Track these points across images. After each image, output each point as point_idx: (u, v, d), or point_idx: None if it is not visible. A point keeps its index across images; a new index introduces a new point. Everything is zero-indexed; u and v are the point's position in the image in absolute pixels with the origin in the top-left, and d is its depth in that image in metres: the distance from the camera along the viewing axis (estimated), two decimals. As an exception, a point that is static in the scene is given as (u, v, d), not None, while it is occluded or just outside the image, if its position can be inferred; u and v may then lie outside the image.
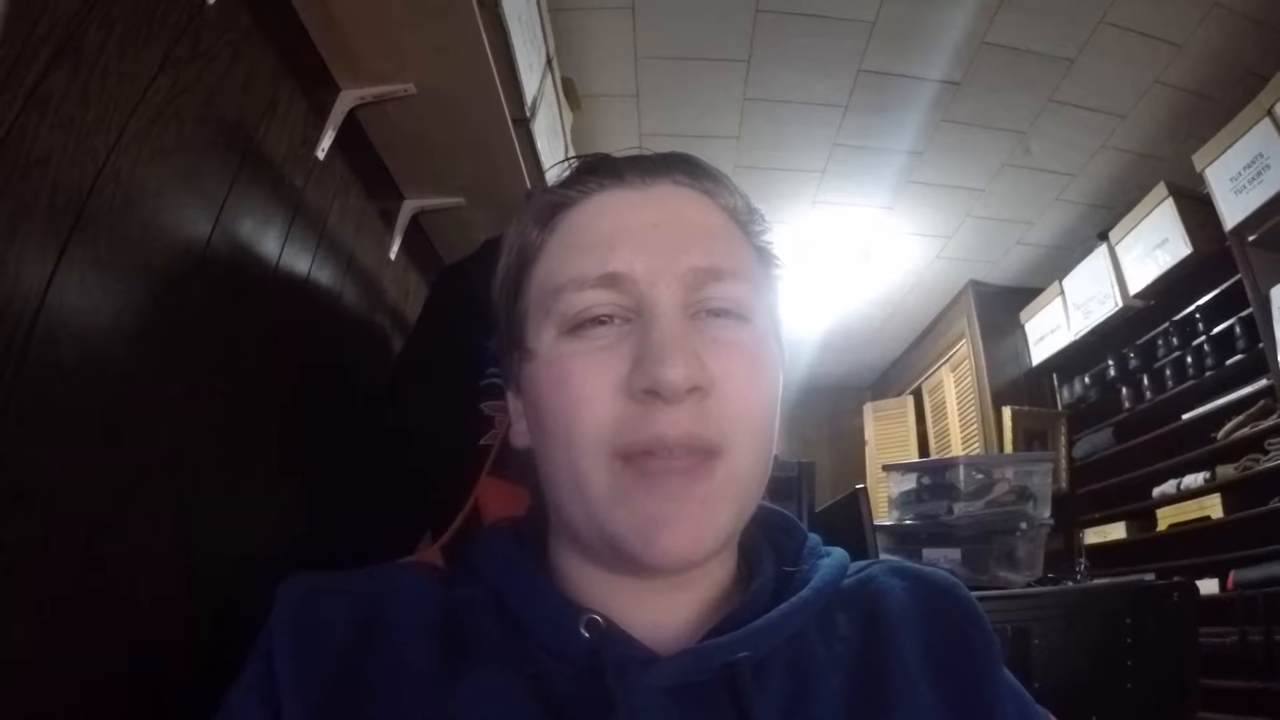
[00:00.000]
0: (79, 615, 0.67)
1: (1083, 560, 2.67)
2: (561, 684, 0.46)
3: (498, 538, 0.56)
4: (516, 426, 0.57)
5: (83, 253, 0.68)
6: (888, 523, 1.80)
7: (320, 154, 1.24)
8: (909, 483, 1.79)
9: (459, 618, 0.49)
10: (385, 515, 1.02)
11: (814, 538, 0.58)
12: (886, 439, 5.23)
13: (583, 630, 0.47)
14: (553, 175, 0.58)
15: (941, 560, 1.62)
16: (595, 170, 0.55)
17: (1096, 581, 2.18)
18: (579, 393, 0.47)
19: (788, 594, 0.51)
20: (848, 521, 1.50)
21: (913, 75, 2.69)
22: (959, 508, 1.66)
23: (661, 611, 0.51)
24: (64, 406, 0.65)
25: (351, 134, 1.35)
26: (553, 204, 0.55)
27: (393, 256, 1.63)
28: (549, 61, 1.86)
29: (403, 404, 1.23)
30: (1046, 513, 1.71)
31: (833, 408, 5.65)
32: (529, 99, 1.64)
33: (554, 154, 1.96)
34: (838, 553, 0.57)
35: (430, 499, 0.92)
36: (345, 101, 1.30)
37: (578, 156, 0.58)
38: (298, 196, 1.19)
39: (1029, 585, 1.62)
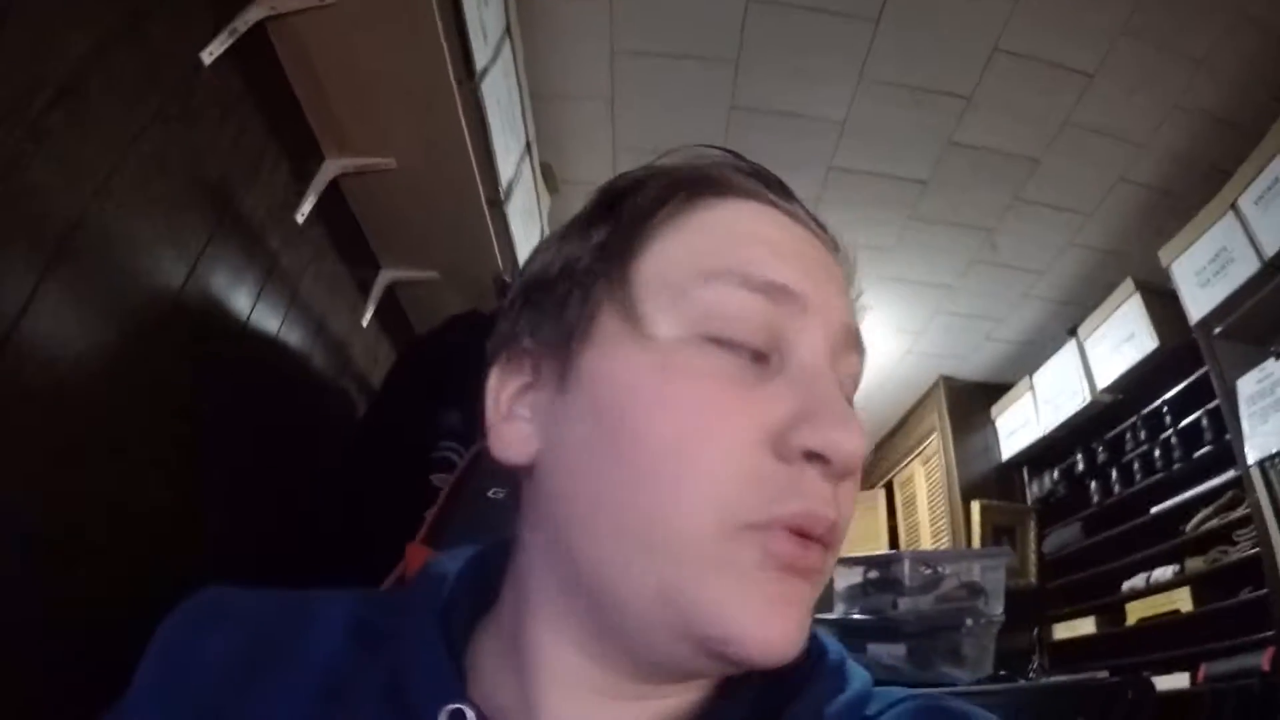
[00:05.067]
0: (18, 647, 0.67)
1: (1036, 657, 2.61)
2: None
3: (429, 592, 0.45)
4: (511, 430, 0.42)
5: (60, 285, 0.71)
6: (832, 616, 1.78)
7: (300, 218, 1.29)
8: (855, 576, 1.78)
9: (348, 674, 0.41)
10: (329, 572, 1.03)
11: (834, 647, 0.44)
12: (858, 532, 5.18)
13: None
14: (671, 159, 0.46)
15: (885, 656, 1.59)
16: (743, 169, 0.45)
17: (1049, 680, 2.14)
18: (714, 424, 0.36)
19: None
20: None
21: (881, 173, 2.83)
22: (904, 603, 1.64)
23: None
24: (20, 428, 0.67)
25: (332, 202, 1.41)
26: (692, 178, 0.43)
27: (365, 323, 1.67)
28: (528, 146, 1.96)
29: (358, 467, 1.24)
30: (999, 609, 1.69)
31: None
32: (504, 182, 1.72)
33: (528, 236, 2.03)
34: (858, 676, 0.43)
35: (371, 561, 0.92)
36: (329, 170, 1.36)
37: (706, 146, 0.47)
38: (273, 258, 1.24)
39: (975, 683, 1.58)
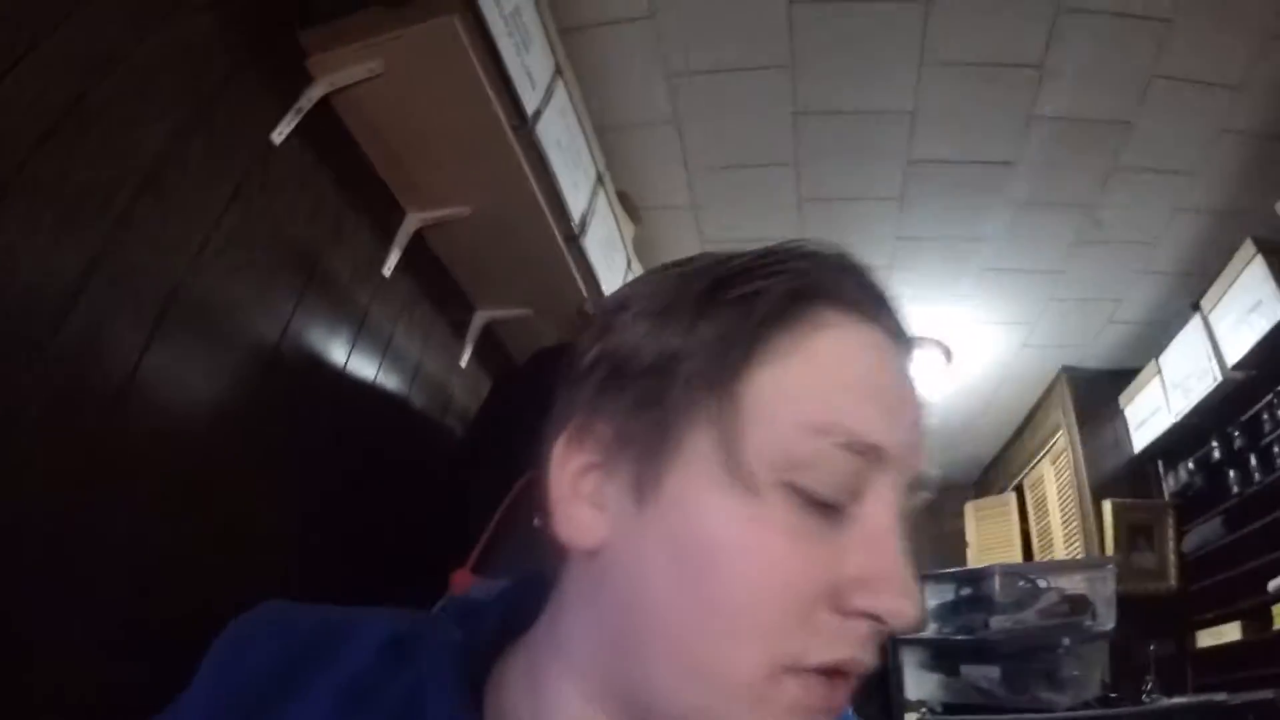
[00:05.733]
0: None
1: (1150, 677, 2.38)
2: None
3: (456, 617, 0.48)
4: (580, 514, 0.41)
5: (164, 348, 0.82)
6: (923, 637, 1.69)
7: (387, 271, 1.40)
8: (947, 593, 1.70)
9: (373, 682, 0.44)
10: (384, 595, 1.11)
11: None
12: (990, 539, 4.93)
13: None
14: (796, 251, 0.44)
15: (980, 679, 1.49)
16: (851, 273, 0.44)
17: (1161, 703, 1.95)
18: (791, 580, 0.37)
19: None
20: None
21: (963, 160, 2.73)
22: (996, 621, 1.54)
23: None
24: (135, 471, 0.78)
25: (419, 252, 1.52)
26: (807, 284, 0.41)
27: (464, 364, 1.76)
28: (599, 179, 2.02)
29: (447, 499, 1.32)
30: (1110, 624, 1.57)
31: (934, 509, 5.41)
32: (577, 217, 1.79)
33: (612, 267, 2.09)
34: None
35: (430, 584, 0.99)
36: (410, 224, 1.47)
37: (814, 243, 0.45)
38: (364, 310, 1.34)
39: (1075, 708, 1.46)
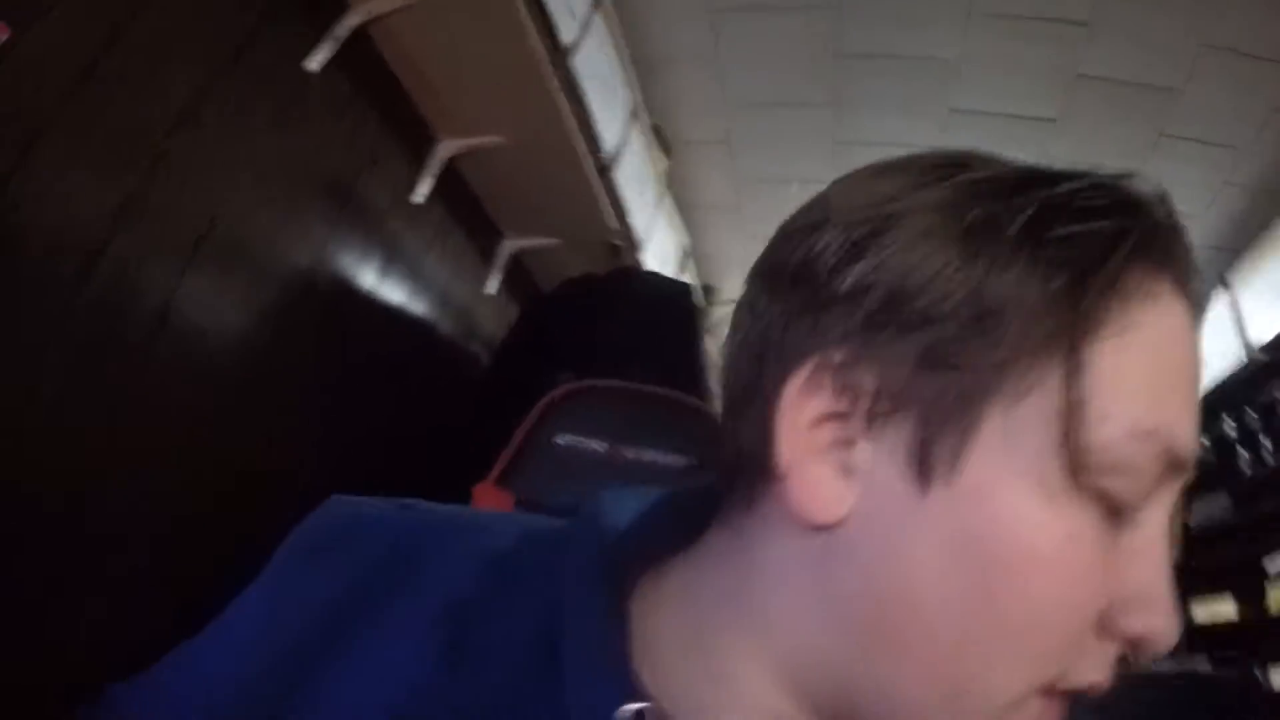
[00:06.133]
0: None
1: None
2: None
3: (592, 532, 0.39)
4: (822, 478, 0.33)
5: (200, 277, 0.84)
6: None
7: (418, 199, 1.40)
8: None
9: (481, 624, 0.36)
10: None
11: None
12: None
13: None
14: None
15: None
16: (1185, 245, 0.35)
17: (1142, 670, 1.99)
18: (1080, 602, 0.31)
19: None
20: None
21: (1004, 113, 2.66)
22: None
23: None
24: (175, 401, 0.81)
25: (451, 182, 1.52)
26: (1144, 229, 0.33)
27: (492, 291, 1.77)
28: (634, 112, 1.99)
29: (475, 420, 1.36)
30: None
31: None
32: (610, 149, 1.77)
33: (643, 199, 2.08)
34: None
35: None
36: (442, 151, 1.46)
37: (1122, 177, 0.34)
38: (395, 237, 1.36)
39: None
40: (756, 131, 2.84)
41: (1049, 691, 0.32)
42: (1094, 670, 0.32)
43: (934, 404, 0.31)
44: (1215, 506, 3.19)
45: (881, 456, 0.32)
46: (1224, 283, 3.08)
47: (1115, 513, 0.31)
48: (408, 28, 1.18)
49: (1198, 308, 0.35)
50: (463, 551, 0.39)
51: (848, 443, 0.33)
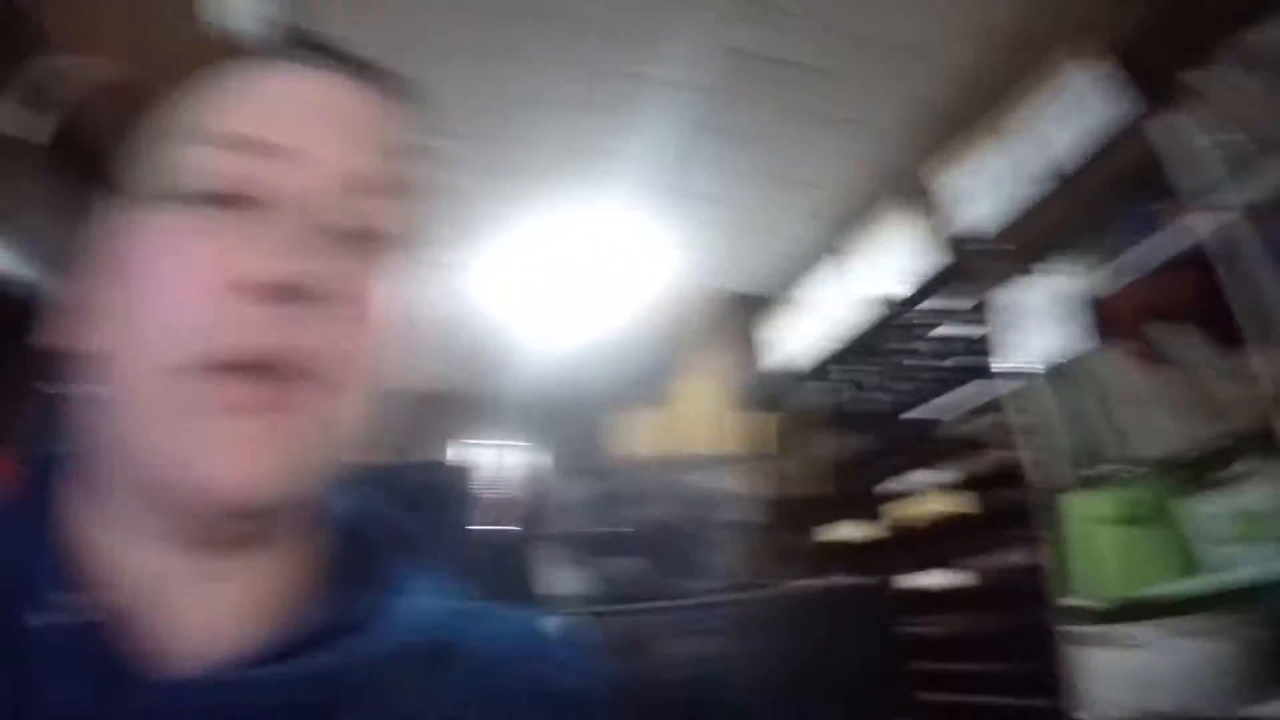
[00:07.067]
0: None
1: (785, 567, 2.68)
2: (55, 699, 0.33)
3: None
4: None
5: None
6: (562, 531, 1.71)
7: None
8: (584, 489, 1.71)
9: None
10: None
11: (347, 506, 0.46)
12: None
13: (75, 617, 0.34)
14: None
15: (619, 571, 1.54)
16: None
17: (784, 586, 2.20)
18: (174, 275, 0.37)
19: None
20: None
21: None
22: (634, 514, 1.60)
23: (218, 610, 0.38)
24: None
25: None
26: None
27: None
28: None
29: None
30: (736, 515, 1.68)
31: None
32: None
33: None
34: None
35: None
36: None
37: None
38: None
39: (709, 594, 1.57)
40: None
41: (193, 369, 0.35)
42: (222, 335, 0.36)
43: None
44: (852, 441, 3.60)
45: None
46: (840, 249, 3.46)
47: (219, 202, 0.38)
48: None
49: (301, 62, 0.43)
50: None
51: None
